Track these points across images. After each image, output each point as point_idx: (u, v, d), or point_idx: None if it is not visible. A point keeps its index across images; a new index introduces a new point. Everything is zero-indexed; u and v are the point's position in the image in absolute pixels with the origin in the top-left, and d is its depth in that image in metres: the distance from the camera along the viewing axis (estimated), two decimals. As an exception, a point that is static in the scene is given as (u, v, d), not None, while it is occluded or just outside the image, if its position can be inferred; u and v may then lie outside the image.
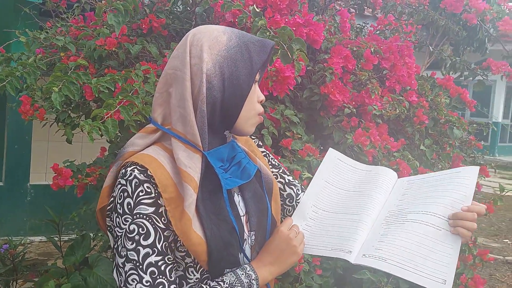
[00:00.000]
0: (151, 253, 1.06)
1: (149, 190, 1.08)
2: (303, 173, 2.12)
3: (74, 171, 2.31)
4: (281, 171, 1.44)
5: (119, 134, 2.43)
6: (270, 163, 1.43)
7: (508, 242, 6.30)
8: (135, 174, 1.08)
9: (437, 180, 1.26)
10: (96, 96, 2.13)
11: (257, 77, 1.20)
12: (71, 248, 3.22)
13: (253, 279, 1.14)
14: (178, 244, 1.12)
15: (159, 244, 1.07)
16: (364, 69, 2.58)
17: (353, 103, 2.50)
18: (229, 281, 1.12)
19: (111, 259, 3.00)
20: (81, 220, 3.66)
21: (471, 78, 3.57)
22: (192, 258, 1.14)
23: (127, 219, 1.07)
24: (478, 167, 1.20)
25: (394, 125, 2.83)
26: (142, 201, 1.07)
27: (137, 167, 1.09)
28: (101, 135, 1.91)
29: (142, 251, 1.06)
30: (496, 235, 6.58)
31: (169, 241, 1.09)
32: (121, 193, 1.08)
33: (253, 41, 1.17)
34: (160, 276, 1.06)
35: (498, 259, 5.19)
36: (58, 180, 2.14)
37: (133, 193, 1.07)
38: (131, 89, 2.05)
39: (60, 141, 2.61)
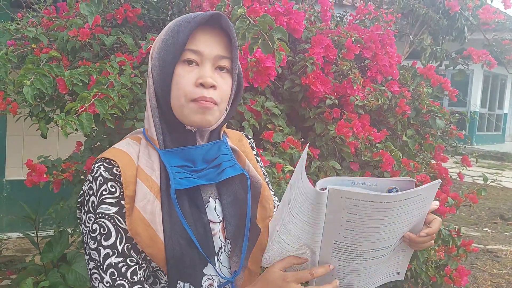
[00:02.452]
0: (111, 254, 1.04)
1: (113, 190, 1.05)
2: (286, 166, 2.07)
3: (49, 167, 2.23)
4: (266, 180, 1.35)
5: (95, 127, 2.36)
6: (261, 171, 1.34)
7: (488, 230, 6.36)
8: (100, 172, 1.05)
9: (387, 208, 1.02)
10: (70, 89, 2.06)
11: (190, 56, 1.08)
12: (48, 245, 3.15)
13: None
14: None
15: (120, 245, 1.04)
16: (345, 59, 2.53)
17: (335, 94, 2.46)
18: None
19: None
20: (58, 216, 3.57)
21: (451, 68, 3.56)
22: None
23: (90, 218, 1.05)
24: (439, 181, 1.06)
25: (376, 115, 2.80)
26: (105, 200, 1.04)
27: (104, 163, 1.06)
28: (76, 130, 1.84)
29: (103, 252, 1.03)
30: (476, 224, 6.64)
31: (134, 242, 1.05)
32: (88, 190, 1.07)
33: (189, 19, 1.09)
34: (120, 278, 1.03)
35: (478, 248, 5.22)
36: (32, 177, 2.07)
37: (97, 191, 1.05)
38: (106, 82, 1.98)
39: (36, 136, 2.53)
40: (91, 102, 1.83)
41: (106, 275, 1.03)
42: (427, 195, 1.04)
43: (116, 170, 1.06)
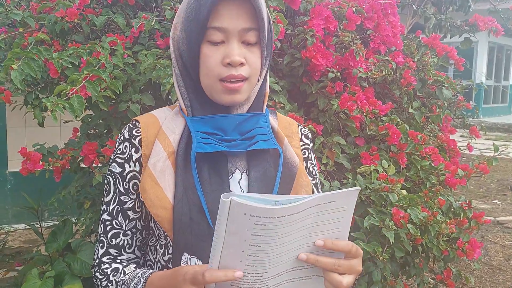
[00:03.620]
0: (105, 210, 1.12)
1: (125, 150, 1.10)
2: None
3: (44, 155, 2.17)
4: (314, 182, 1.25)
5: (91, 113, 2.29)
6: (307, 166, 1.25)
7: (498, 202, 6.28)
8: (124, 131, 1.12)
9: (294, 220, 0.86)
10: (61, 73, 1.98)
11: (214, 36, 1.03)
12: (53, 235, 3.12)
13: None
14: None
15: (112, 205, 1.11)
16: (346, 30, 2.43)
17: (337, 67, 2.37)
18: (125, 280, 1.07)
19: (94, 243, 2.89)
20: (61, 205, 3.53)
21: (457, 36, 3.45)
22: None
23: (107, 172, 1.15)
24: (358, 189, 0.91)
25: (381, 88, 2.70)
26: (115, 159, 1.11)
27: (130, 124, 1.13)
28: (76, 116, 1.78)
29: (103, 206, 1.12)
30: (485, 197, 6.57)
31: (127, 207, 1.11)
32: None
33: None
34: (103, 235, 1.11)
35: (489, 220, 5.15)
36: (27, 165, 2.00)
37: (115, 148, 1.13)
38: (97, 63, 1.90)
39: (38, 127, 2.49)
40: (82, 84, 1.76)
41: (100, 227, 1.12)
42: (343, 204, 0.90)
43: (136, 131, 1.11)
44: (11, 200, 5.10)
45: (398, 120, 2.41)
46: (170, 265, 1.07)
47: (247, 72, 1.05)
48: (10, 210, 5.13)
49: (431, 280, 2.85)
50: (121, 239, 1.11)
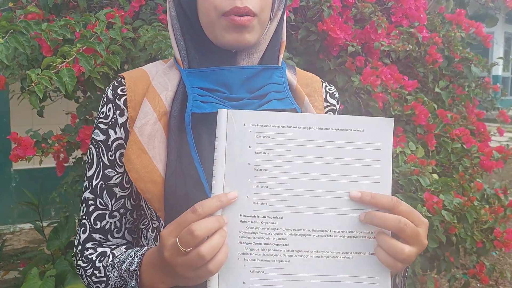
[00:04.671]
0: (87, 186, 0.93)
1: (108, 113, 0.91)
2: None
3: (38, 141, 1.98)
4: None
5: (90, 96, 2.10)
6: None
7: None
8: (108, 90, 0.93)
9: (309, 140, 0.72)
10: (56, 52, 1.79)
11: None
12: (54, 232, 2.98)
13: (132, 271, 0.81)
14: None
15: (95, 180, 0.92)
16: (366, 1, 2.22)
17: (357, 41, 2.16)
18: (112, 262, 0.87)
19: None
20: (63, 201, 3.36)
21: (480, 12, 3.22)
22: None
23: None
24: (392, 119, 0.73)
25: (403, 67, 2.49)
26: (98, 124, 0.93)
27: (115, 82, 0.93)
28: (70, 98, 1.59)
29: (85, 182, 0.93)
30: (509, 189, 6.31)
31: (112, 183, 0.91)
32: None
33: None
34: (85, 217, 0.92)
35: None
36: (17, 151, 1.81)
37: (98, 112, 0.94)
38: (91, 36, 1.70)
39: (43, 124, 2.34)
40: (74, 57, 1.56)
41: (81, 207, 0.94)
42: (376, 138, 0.72)
43: (122, 90, 0.91)
44: (16, 198, 4.94)
45: (425, 98, 2.19)
46: None
47: (255, 4, 0.83)
48: (16, 209, 4.98)
49: (462, 276, 2.63)
50: (107, 222, 0.92)
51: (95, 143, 0.92)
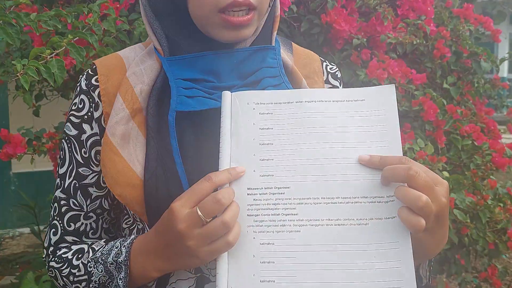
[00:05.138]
0: (59, 185, 0.84)
1: (81, 105, 0.82)
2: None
3: (30, 139, 1.90)
4: None
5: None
6: None
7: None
8: (81, 80, 0.84)
9: (311, 112, 0.71)
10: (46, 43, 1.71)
11: None
12: (51, 235, 2.88)
13: (120, 262, 0.75)
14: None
15: (68, 179, 0.83)
16: (372, -7, 2.13)
17: (362, 34, 2.07)
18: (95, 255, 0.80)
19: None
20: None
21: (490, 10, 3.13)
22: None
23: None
24: (392, 85, 0.72)
25: (410, 62, 2.39)
26: (70, 117, 0.83)
27: (89, 70, 0.84)
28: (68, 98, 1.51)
29: (57, 180, 0.85)
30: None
31: (87, 183, 0.83)
32: None
33: None
34: (57, 218, 0.84)
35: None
36: (7, 149, 1.73)
37: (71, 103, 0.84)
38: (84, 27, 1.62)
39: (44, 126, 2.29)
40: (64, 48, 1.48)
41: (52, 206, 0.85)
42: (378, 105, 0.71)
43: (96, 80, 0.82)
44: (15, 202, 4.86)
45: (434, 94, 2.10)
46: None
47: None
48: (15, 213, 4.90)
49: (473, 279, 2.53)
50: (82, 223, 0.84)
51: (66, 138, 0.83)
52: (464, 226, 1.74)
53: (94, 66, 0.83)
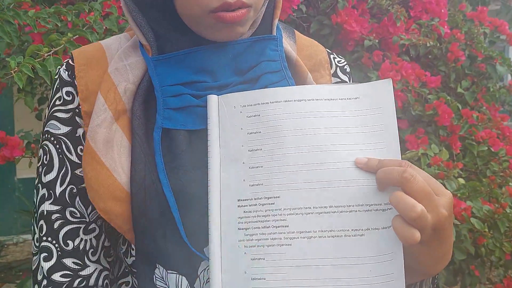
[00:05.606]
0: (46, 196, 0.69)
1: (69, 98, 0.71)
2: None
3: (29, 142, 1.84)
4: None
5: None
6: None
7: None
8: (61, 71, 0.73)
9: (301, 112, 0.65)
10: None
11: None
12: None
13: None
14: None
15: (61, 186, 0.69)
16: (384, -7, 2.07)
17: (374, 35, 2.00)
18: None
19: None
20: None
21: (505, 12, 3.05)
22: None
23: (41, 137, 0.74)
24: (389, 79, 0.65)
25: (424, 66, 2.32)
26: (55, 114, 0.71)
27: (69, 61, 0.73)
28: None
29: (40, 192, 0.70)
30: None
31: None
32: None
33: None
34: (49, 238, 0.68)
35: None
36: (4, 151, 1.67)
37: (51, 99, 0.73)
38: (84, 25, 1.56)
39: None
40: (62, 46, 1.42)
41: (37, 228, 0.70)
42: (374, 102, 0.64)
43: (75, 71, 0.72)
44: (20, 208, 4.82)
45: (448, 97, 2.02)
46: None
47: None
48: (19, 220, 4.85)
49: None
50: (81, 240, 0.70)
51: (52, 139, 0.71)
52: (480, 236, 1.65)
53: (71, 56, 0.73)
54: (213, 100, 0.67)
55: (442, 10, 2.31)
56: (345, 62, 0.85)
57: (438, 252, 0.60)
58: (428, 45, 2.08)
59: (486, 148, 1.99)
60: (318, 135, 0.63)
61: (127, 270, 0.73)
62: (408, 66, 1.83)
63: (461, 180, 1.73)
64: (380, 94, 0.64)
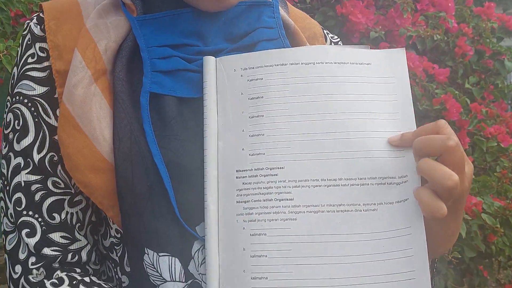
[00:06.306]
0: (22, 165, 0.62)
1: (43, 55, 0.63)
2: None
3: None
4: None
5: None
6: None
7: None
8: (31, 27, 0.65)
9: (307, 75, 0.59)
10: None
11: None
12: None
13: None
14: None
15: (39, 153, 0.62)
16: (390, -15, 2.02)
17: (380, 27, 1.95)
18: None
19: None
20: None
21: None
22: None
23: (7, 104, 0.65)
24: (403, 49, 0.62)
25: (431, 61, 2.26)
26: (27, 72, 0.63)
27: (40, 14, 0.66)
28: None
29: (13, 161, 0.62)
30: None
31: None
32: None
33: None
34: (27, 212, 0.61)
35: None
36: None
37: (21, 57, 0.64)
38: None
39: None
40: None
41: (11, 202, 0.62)
42: (387, 70, 0.60)
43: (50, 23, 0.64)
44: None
45: (456, 92, 1.97)
46: (125, 264, 0.63)
47: None
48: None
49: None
50: (67, 213, 0.63)
51: (26, 101, 0.63)
52: (491, 233, 1.59)
53: (42, 9, 0.66)
54: (210, 62, 0.61)
55: (450, 4, 2.26)
56: (338, 39, 0.80)
57: (451, 227, 0.57)
58: (435, 38, 2.03)
59: (496, 144, 1.94)
60: (327, 101, 0.58)
61: (100, 258, 0.66)
62: (415, 58, 1.79)
63: (471, 176, 1.67)
64: (394, 62, 0.60)
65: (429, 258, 0.55)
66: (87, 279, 0.61)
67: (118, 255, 0.63)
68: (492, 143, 1.93)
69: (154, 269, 0.59)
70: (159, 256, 0.59)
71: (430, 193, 0.51)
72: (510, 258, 1.99)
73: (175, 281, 0.59)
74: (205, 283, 0.58)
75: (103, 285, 0.62)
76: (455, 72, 2.30)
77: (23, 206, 0.62)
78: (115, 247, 0.63)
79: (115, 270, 0.64)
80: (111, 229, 0.63)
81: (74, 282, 0.60)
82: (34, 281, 0.60)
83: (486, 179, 1.62)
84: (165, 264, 0.58)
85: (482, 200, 1.55)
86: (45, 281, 0.60)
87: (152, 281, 0.59)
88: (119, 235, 0.62)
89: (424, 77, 1.84)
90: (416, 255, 0.53)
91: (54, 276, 0.61)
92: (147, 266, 0.59)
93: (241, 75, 0.61)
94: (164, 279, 0.59)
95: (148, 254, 0.59)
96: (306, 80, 0.59)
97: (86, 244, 0.64)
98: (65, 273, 0.61)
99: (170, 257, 0.59)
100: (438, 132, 0.53)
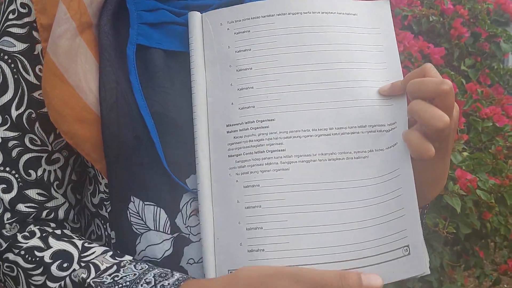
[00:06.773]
0: (0, 122, 0.63)
1: (24, 10, 0.63)
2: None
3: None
4: None
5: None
6: None
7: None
8: None
9: (296, 26, 0.60)
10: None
11: None
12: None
13: None
14: None
15: (17, 110, 0.63)
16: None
17: (375, 8, 1.95)
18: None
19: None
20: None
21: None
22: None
23: None
24: (387, 1, 0.63)
25: (427, 43, 2.28)
26: (8, 29, 0.64)
27: None
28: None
29: None
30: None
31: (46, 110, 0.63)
32: None
33: None
34: (4, 168, 0.62)
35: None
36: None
37: (3, 13, 0.65)
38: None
39: None
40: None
41: None
42: (369, 18, 0.61)
43: None
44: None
45: (452, 73, 1.97)
46: (105, 215, 0.64)
47: None
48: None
49: (489, 276, 2.40)
50: (44, 170, 0.64)
51: (6, 57, 0.63)
52: (486, 211, 1.61)
53: None
54: (195, 17, 0.61)
55: (445, -15, 2.26)
56: None
57: (438, 170, 0.58)
58: (431, 19, 2.03)
59: (491, 124, 1.94)
60: (316, 52, 0.59)
61: (90, 218, 0.67)
62: (410, 37, 1.79)
63: (466, 154, 1.69)
64: (379, 14, 0.62)
65: (419, 205, 0.56)
66: (58, 231, 0.62)
67: (108, 211, 0.63)
68: (488, 123, 1.94)
69: (139, 217, 0.60)
70: (145, 204, 0.59)
71: (419, 135, 0.53)
72: (505, 238, 2.00)
73: (159, 231, 0.59)
74: (194, 235, 0.59)
75: (74, 237, 0.62)
76: (451, 55, 2.30)
77: (0, 162, 0.63)
78: (104, 202, 0.64)
79: (105, 226, 0.64)
80: (100, 184, 0.64)
81: (44, 235, 0.61)
82: (8, 234, 0.62)
83: (480, 155, 1.63)
84: (150, 213, 0.59)
85: (478, 178, 1.56)
86: (18, 234, 0.61)
87: (135, 229, 0.59)
88: (108, 190, 0.62)
89: (420, 58, 1.84)
90: (405, 193, 0.55)
91: (26, 230, 0.62)
92: (131, 214, 0.60)
93: (228, 29, 0.61)
94: (148, 227, 0.59)
95: (134, 202, 0.60)
96: (294, 30, 0.60)
97: (64, 202, 0.65)
98: (38, 227, 0.62)
99: (156, 207, 0.59)
100: (425, 75, 0.54)
